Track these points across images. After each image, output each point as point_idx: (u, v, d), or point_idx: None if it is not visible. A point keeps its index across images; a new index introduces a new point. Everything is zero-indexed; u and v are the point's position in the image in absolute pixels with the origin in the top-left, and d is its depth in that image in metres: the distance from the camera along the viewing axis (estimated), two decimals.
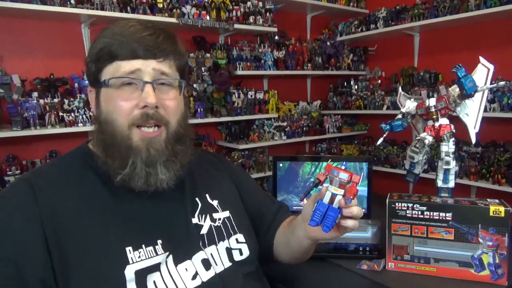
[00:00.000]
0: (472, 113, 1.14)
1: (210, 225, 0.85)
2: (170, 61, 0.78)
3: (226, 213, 0.89)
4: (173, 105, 0.77)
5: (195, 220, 0.83)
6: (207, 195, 0.89)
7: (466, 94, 1.09)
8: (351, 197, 0.71)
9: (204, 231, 0.83)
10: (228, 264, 0.83)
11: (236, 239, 0.87)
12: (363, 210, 1.50)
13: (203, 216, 0.85)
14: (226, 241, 0.85)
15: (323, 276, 1.11)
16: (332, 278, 1.10)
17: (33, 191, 0.69)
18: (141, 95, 0.73)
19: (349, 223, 0.76)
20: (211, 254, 0.81)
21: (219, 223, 0.86)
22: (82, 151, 0.81)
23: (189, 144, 0.83)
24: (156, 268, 0.71)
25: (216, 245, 0.83)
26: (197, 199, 0.86)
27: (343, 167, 0.69)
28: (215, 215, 0.87)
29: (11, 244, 0.65)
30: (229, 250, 0.85)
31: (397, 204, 1.09)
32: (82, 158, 0.79)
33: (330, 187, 0.73)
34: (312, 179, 1.56)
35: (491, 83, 1.12)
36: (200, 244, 0.80)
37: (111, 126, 0.74)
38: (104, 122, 0.75)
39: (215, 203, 0.89)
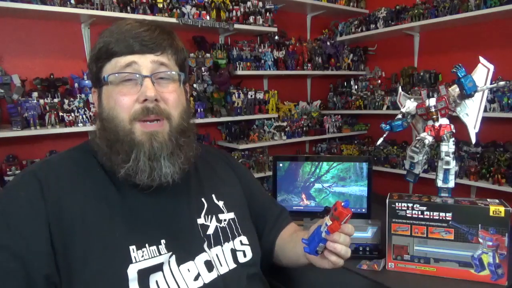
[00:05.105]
0: (472, 113, 1.14)
1: (216, 225, 0.84)
2: (167, 55, 0.78)
3: (231, 215, 0.89)
4: (173, 98, 0.77)
5: (201, 221, 0.82)
6: (213, 196, 0.88)
7: (466, 94, 1.09)
8: (329, 231, 0.74)
9: (210, 231, 0.83)
10: (233, 265, 0.83)
11: (240, 241, 0.87)
12: (363, 210, 1.51)
13: (209, 216, 0.84)
14: (231, 242, 0.85)
15: (323, 276, 1.11)
16: (332, 278, 1.10)
17: (40, 185, 0.69)
18: (140, 89, 0.73)
19: (331, 257, 0.77)
20: (217, 255, 0.81)
21: (224, 224, 0.86)
22: (89, 145, 0.80)
23: (193, 138, 0.83)
24: (158, 268, 0.71)
25: (222, 245, 0.83)
26: (203, 199, 0.86)
27: (343, 204, 0.72)
28: (220, 216, 0.87)
29: (17, 239, 0.65)
30: (233, 252, 0.84)
31: (397, 204, 1.09)
32: (89, 152, 0.79)
33: (327, 218, 0.76)
34: (312, 179, 1.56)
35: (491, 83, 1.12)
36: (206, 244, 0.80)
37: (113, 122, 0.74)
38: (106, 119, 0.75)
39: (220, 204, 0.89)
